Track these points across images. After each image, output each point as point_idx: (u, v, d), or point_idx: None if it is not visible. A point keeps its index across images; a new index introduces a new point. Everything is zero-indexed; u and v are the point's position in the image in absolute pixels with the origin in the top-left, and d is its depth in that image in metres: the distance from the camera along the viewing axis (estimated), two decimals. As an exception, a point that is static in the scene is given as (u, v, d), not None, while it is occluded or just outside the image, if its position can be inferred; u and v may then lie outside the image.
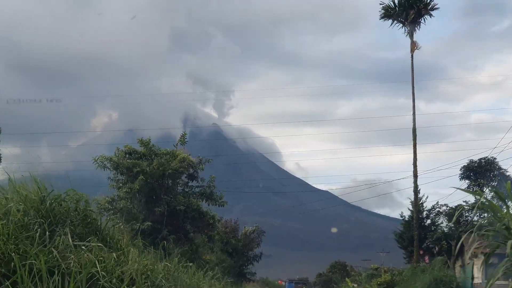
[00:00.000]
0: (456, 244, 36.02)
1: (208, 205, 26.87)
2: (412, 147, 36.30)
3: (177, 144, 27.50)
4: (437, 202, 39.00)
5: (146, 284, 11.80)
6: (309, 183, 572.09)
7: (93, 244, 11.11)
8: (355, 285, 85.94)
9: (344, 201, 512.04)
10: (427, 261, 39.28)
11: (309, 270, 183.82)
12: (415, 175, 36.30)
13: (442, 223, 40.24)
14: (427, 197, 41.43)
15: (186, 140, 27.44)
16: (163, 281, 13.50)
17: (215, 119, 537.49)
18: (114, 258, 11.60)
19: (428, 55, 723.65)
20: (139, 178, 24.85)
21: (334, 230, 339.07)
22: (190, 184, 27.39)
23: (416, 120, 35.84)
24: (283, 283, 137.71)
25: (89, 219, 12.77)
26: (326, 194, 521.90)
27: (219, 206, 26.92)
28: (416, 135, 36.57)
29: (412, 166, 35.83)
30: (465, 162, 36.23)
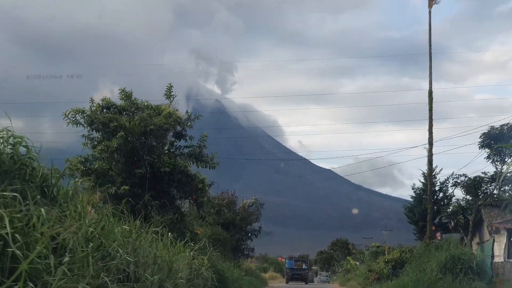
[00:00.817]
0: (475, 218, 32.59)
1: (198, 167, 23.24)
2: (428, 111, 32.60)
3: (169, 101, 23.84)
4: (453, 173, 35.19)
5: (85, 252, 8.29)
6: (311, 161, 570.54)
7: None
8: (357, 263, 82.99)
9: (346, 179, 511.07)
10: (438, 237, 35.75)
11: (310, 248, 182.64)
12: (430, 143, 32.64)
13: (454, 196, 36.69)
14: (440, 170, 37.91)
15: (172, 93, 23.69)
16: (119, 250, 9.98)
17: (218, 96, 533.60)
18: (44, 216, 8.05)
19: (433, 34, 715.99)
20: (118, 134, 21.26)
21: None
22: (177, 144, 23.70)
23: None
24: (284, 260, 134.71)
25: (27, 170, 9.11)
26: (328, 173, 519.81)
27: (210, 169, 23.26)
28: (432, 99, 32.89)
29: (428, 142, 32.12)
30: (485, 129, 32.44)
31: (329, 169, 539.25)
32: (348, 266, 78.75)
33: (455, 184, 32.97)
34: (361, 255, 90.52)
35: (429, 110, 33.32)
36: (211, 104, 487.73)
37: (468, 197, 33.43)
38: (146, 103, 23.09)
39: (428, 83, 33.53)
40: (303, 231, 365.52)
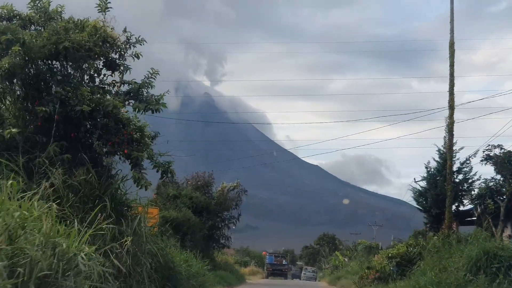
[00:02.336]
0: (508, 204, 25.17)
1: (136, 111, 15.56)
2: (449, 67, 25.12)
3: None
4: (478, 150, 27.60)
5: None
6: (299, 157, 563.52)
7: None
8: (346, 259, 75.71)
9: (334, 176, 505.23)
10: (454, 227, 28.10)
11: (296, 243, 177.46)
12: (452, 107, 25.12)
13: (479, 178, 29.02)
14: (461, 148, 30.24)
15: (108, 2, 15.70)
16: None
17: (207, 88, 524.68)
18: None
19: (424, 32, 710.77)
20: (12, 50, 13.62)
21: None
22: (108, 75, 15.87)
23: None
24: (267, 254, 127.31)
25: None
26: (315, 169, 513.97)
27: (153, 112, 15.53)
28: (454, 51, 25.44)
29: (448, 93, 24.60)
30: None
31: (317, 165, 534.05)
32: (337, 262, 71.30)
33: (487, 159, 25.40)
34: (349, 251, 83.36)
35: (450, 65, 25.92)
36: (200, 96, 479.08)
37: (499, 177, 25.94)
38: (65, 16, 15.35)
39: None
40: (289, 226, 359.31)
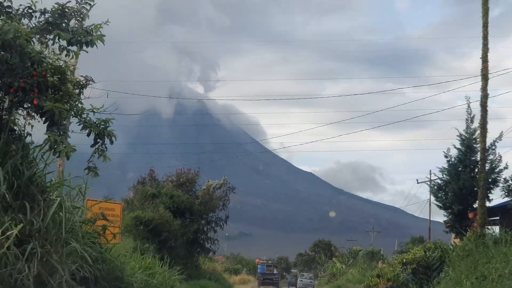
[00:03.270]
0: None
1: (55, 42, 10.27)
2: (482, 29, 19.95)
3: None
4: (502, 133, 22.47)
5: None
6: (293, 164, 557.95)
7: None
8: (343, 266, 70.58)
9: (327, 183, 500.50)
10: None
11: (290, 251, 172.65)
12: (485, 77, 19.94)
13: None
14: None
15: None
16: None
17: (201, 95, 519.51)
18: None
19: (417, 40, 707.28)
20: None
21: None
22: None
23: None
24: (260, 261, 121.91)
25: None
26: (309, 176, 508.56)
27: (81, 47, 10.26)
28: (487, 9, 20.18)
29: (481, 63, 19.46)
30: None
31: (310, 172, 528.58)
32: (334, 269, 65.96)
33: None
34: (345, 258, 78.17)
35: (484, 26, 20.78)
36: (193, 104, 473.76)
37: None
38: None
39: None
40: (282, 233, 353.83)
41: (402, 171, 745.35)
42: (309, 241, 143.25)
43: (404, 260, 24.52)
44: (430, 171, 58.99)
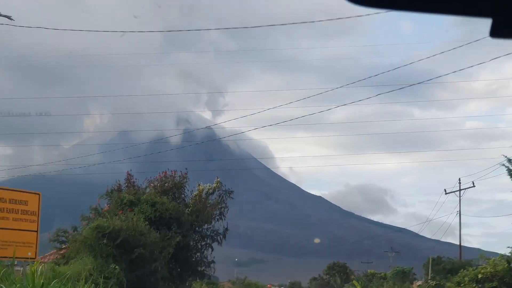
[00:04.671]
0: None
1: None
2: None
3: None
4: None
5: None
6: (303, 188, 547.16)
7: None
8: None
9: (337, 206, 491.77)
10: None
11: (302, 276, 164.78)
12: None
13: None
14: None
15: None
16: None
17: (209, 122, 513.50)
18: None
19: (424, 61, 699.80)
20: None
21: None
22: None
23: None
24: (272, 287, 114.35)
25: None
26: (319, 200, 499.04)
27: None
28: None
29: None
30: None
31: (320, 196, 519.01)
32: (354, 293, 57.71)
33: None
34: (362, 281, 69.88)
35: None
36: (202, 131, 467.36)
37: None
38: None
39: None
40: (294, 258, 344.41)
41: (413, 192, 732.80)
42: (321, 266, 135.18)
43: (479, 276, 16.66)
44: (459, 179, 52.02)
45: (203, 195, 28.44)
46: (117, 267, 19.06)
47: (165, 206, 25.82)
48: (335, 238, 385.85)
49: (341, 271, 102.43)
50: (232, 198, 29.55)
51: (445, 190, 54.85)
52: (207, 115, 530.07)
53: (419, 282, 42.83)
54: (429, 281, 40.31)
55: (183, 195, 28.23)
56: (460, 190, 51.01)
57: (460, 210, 50.96)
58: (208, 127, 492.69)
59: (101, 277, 17.75)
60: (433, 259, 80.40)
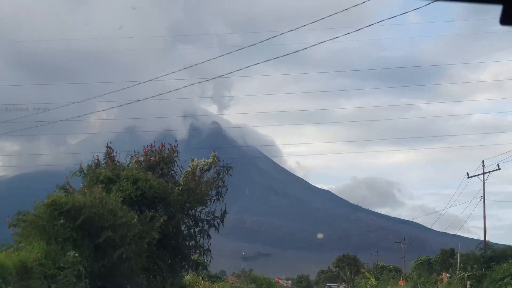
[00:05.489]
0: None
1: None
2: None
3: None
4: None
5: None
6: (310, 182, 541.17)
7: None
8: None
9: (345, 200, 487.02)
10: None
11: (310, 269, 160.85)
12: None
13: None
14: None
15: None
16: None
17: (215, 117, 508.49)
18: None
19: (431, 53, 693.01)
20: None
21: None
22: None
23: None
24: (280, 281, 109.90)
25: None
26: (326, 194, 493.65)
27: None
28: None
29: None
30: None
31: (327, 190, 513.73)
32: (368, 286, 52.89)
33: None
34: (372, 272, 65.21)
35: None
36: (208, 125, 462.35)
37: None
38: None
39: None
40: (301, 252, 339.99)
41: (420, 185, 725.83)
42: (329, 259, 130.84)
43: None
44: (483, 161, 47.59)
45: (197, 172, 23.80)
46: (77, 254, 14.52)
47: (149, 183, 21.28)
48: (342, 231, 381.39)
49: (351, 263, 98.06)
50: (230, 175, 24.86)
51: (467, 174, 50.22)
52: (213, 109, 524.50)
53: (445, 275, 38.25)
54: (458, 272, 35.80)
55: (172, 172, 23.62)
56: (484, 173, 46.31)
57: (484, 195, 46.33)
58: (214, 122, 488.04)
59: (55, 267, 13.23)
60: (446, 251, 76.20)
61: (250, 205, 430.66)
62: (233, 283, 57.91)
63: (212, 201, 24.12)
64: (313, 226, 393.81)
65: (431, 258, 45.14)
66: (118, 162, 22.89)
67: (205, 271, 26.38)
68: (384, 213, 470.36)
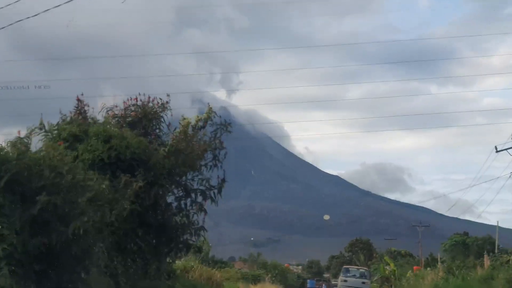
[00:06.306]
0: None
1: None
2: None
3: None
4: None
5: None
6: (319, 168, 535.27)
7: None
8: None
9: (354, 186, 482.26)
10: None
11: (320, 255, 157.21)
12: None
13: None
14: None
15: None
16: None
17: (223, 102, 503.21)
18: None
19: (441, 37, 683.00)
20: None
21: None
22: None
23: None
24: (290, 267, 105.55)
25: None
26: (336, 179, 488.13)
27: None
28: None
29: None
30: None
31: (337, 175, 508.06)
32: (387, 271, 48.11)
33: None
34: (384, 257, 60.48)
35: None
36: (216, 110, 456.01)
37: None
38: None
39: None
40: (311, 238, 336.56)
41: (430, 170, 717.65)
42: (339, 245, 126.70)
43: None
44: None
45: (189, 131, 18.88)
46: (3, 227, 9.85)
47: (126, 142, 16.39)
48: (352, 217, 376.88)
49: (364, 248, 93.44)
50: (230, 132, 19.93)
51: (495, 148, 45.05)
52: (221, 94, 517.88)
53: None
54: (498, 254, 31.06)
55: (157, 130, 18.71)
56: (515, 146, 41.18)
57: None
58: (222, 107, 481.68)
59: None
60: (460, 235, 72.09)
61: (259, 191, 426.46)
62: (240, 269, 53.38)
63: (208, 167, 19.15)
64: (323, 211, 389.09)
65: (467, 238, 40.24)
66: (92, 118, 18.00)
67: (199, 255, 21.62)
68: (394, 199, 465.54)
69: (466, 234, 71.64)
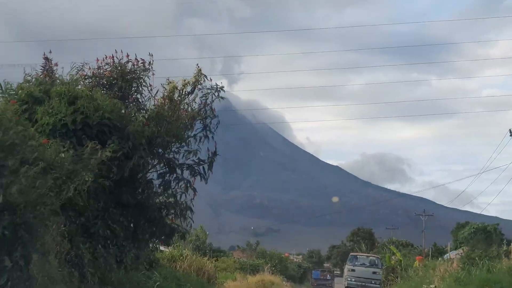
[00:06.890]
0: None
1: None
2: None
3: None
4: None
5: None
6: (319, 158, 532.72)
7: None
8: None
9: (354, 176, 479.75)
10: None
11: (320, 244, 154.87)
12: None
13: None
14: None
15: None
16: None
17: (224, 92, 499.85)
18: None
19: (441, 29, 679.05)
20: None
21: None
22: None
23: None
24: (290, 256, 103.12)
25: None
26: (336, 169, 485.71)
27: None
28: None
29: None
30: None
31: (337, 166, 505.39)
32: (393, 261, 45.19)
33: None
34: (389, 247, 57.82)
35: None
36: (217, 101, 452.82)
37: None
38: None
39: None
40: (311, 228, 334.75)
41: (429, 161, 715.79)
42: (339, 235, 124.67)
43: None
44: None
45: (177, 95, 15.75)
46: None
47: (95, 103, 13.34)
48: (352, 207, 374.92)
49: (366, 237, 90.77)
50: (222, 98, 16.79)
51: (510, 131, 42.08)
52: (223, 82, 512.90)
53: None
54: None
55: (135, 93, 15.62)
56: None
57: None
58: (224, 97, 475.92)
59: None
60: (462, 225, 69.76)
61: (260, 181, 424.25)
62: (238, 258, 50.54)
63: (198, 139, 15.97)
64: (323, 201, 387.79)
65: (488, 225, 37.13)
66: (60, 80, 14.87)
67: (183, 241, 18.61)
68: (394, 189, 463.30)
69: (467, 223, 69.35)
